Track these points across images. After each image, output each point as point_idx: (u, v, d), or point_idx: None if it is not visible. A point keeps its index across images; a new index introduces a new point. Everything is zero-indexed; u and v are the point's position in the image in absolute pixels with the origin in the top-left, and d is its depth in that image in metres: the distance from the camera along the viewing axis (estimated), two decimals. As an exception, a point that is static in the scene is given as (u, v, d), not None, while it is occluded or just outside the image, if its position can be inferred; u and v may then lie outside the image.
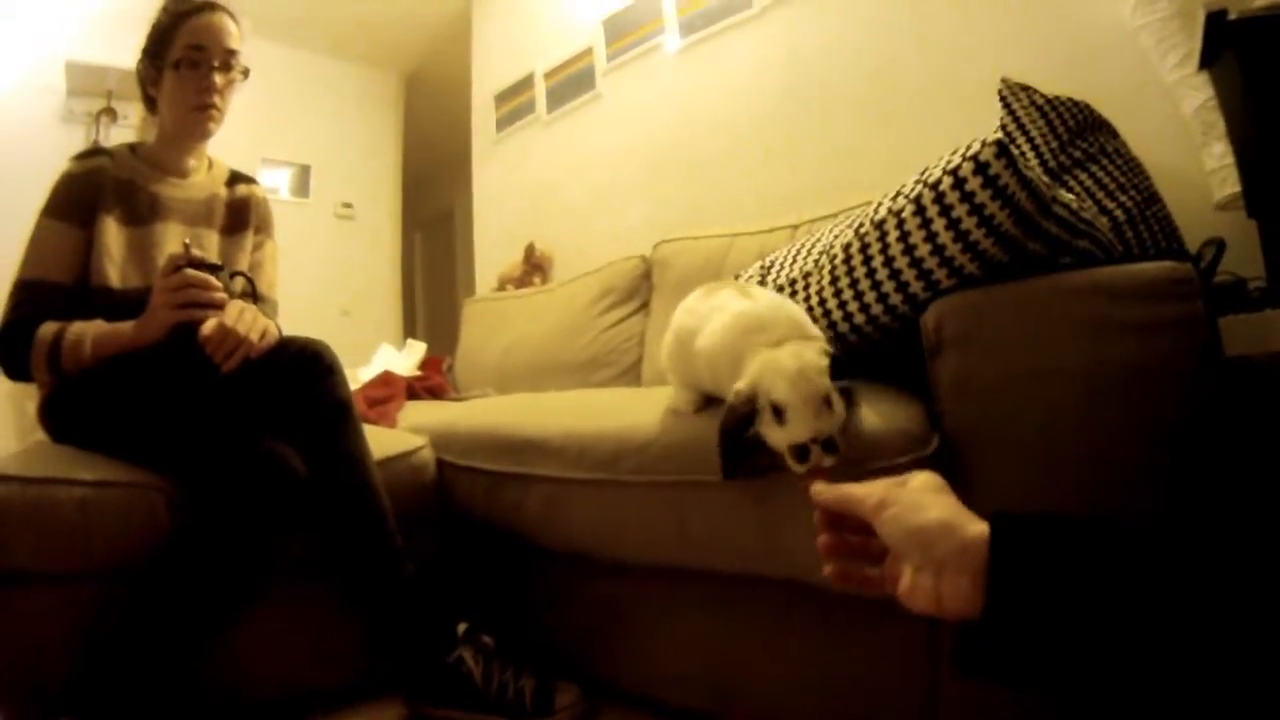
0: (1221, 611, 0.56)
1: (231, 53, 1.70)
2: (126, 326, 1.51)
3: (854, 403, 1.12)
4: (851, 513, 0.74)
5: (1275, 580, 0.56)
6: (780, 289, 1.46)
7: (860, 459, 1.08)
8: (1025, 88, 1.70)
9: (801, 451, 1.00)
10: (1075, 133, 1.66)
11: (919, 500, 0.69)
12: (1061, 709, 0.91)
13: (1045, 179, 1.18)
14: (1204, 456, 0.99)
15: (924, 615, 0.67)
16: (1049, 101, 1.67)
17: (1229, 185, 1.60)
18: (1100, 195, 1.58)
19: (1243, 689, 0.54)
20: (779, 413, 1.02)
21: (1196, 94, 1.67)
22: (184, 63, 1.65)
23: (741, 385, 1.07)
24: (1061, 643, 0.59)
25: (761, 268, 1.62)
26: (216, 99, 1.70)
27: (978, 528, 0.65)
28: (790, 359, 1.04)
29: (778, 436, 1.02)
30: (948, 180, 1.11)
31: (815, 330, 1.17)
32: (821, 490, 0.78)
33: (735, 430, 1.08)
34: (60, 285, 1.58)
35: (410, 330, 5.79)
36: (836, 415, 1.02)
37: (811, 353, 1.05)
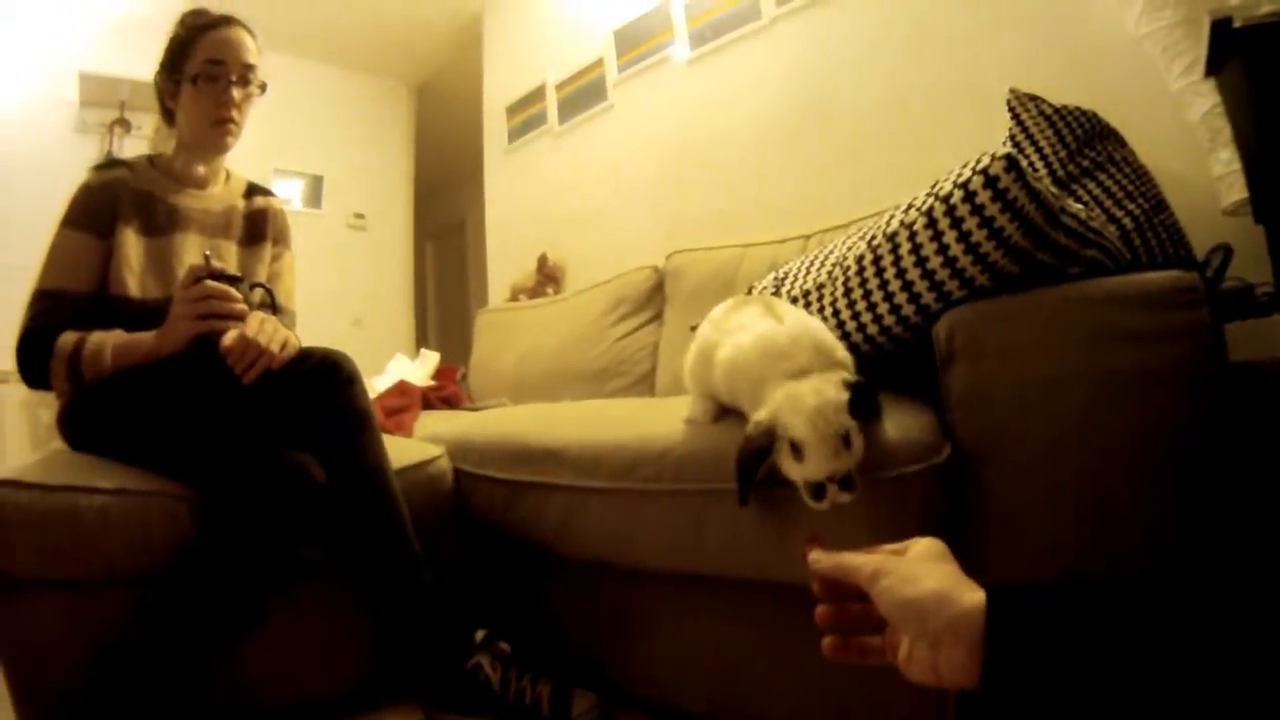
0: (1221, 676, 0.56)
1: (249, 67, 1.72)
2: (147, 337, 1.52)
3: (878, 417, 1.14)
4: (849, 581, 0.73)
5: (1264, 598, 0.57)
6: (795, 300, 1.47)
7: (873, 468, 1.09)
8: (1033, 98, 1.71)
9: (818, 490, 1.01)
10: (1083, 141, 1.67)
11: (914, 571, 0.68)
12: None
13: (1053, 190, 1.20)
14: (1212, 463, 1.00)
15: (924, 685, 0.66)
16: (1057, 111, 1.69)
17: (1236, 191, 1.61)
18: (1108, 203, 1.59)
19: None
20: (796, 450, 1.03)
21: (1203, 101, 1.68)
22: (202, 77, 1.67)
23: (762, 416, 1.09)
24: (1060, 712, 0.59)
25: (775, 279, 1.63)
26: (235, 113, 1.71)
27: (972, 598, 0.64)
28: (811, 396, 1.05)
29: (795, 472, 1.04)
30: (958, 194, 1.13)
31: (841, 353, 1.18)
32: (819, 559, 0.76)
33: (752, 462, 1.09)
34: (80, 295, 1.59)
35: (422, 340, 5.81)
36: (854, 452, 1.03)
37: (832, 388, 1.06)
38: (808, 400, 1.04)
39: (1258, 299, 1.45)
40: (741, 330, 1.22)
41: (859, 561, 0.72)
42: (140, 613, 1.29)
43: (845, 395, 1.05)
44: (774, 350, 1.14)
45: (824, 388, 1.06)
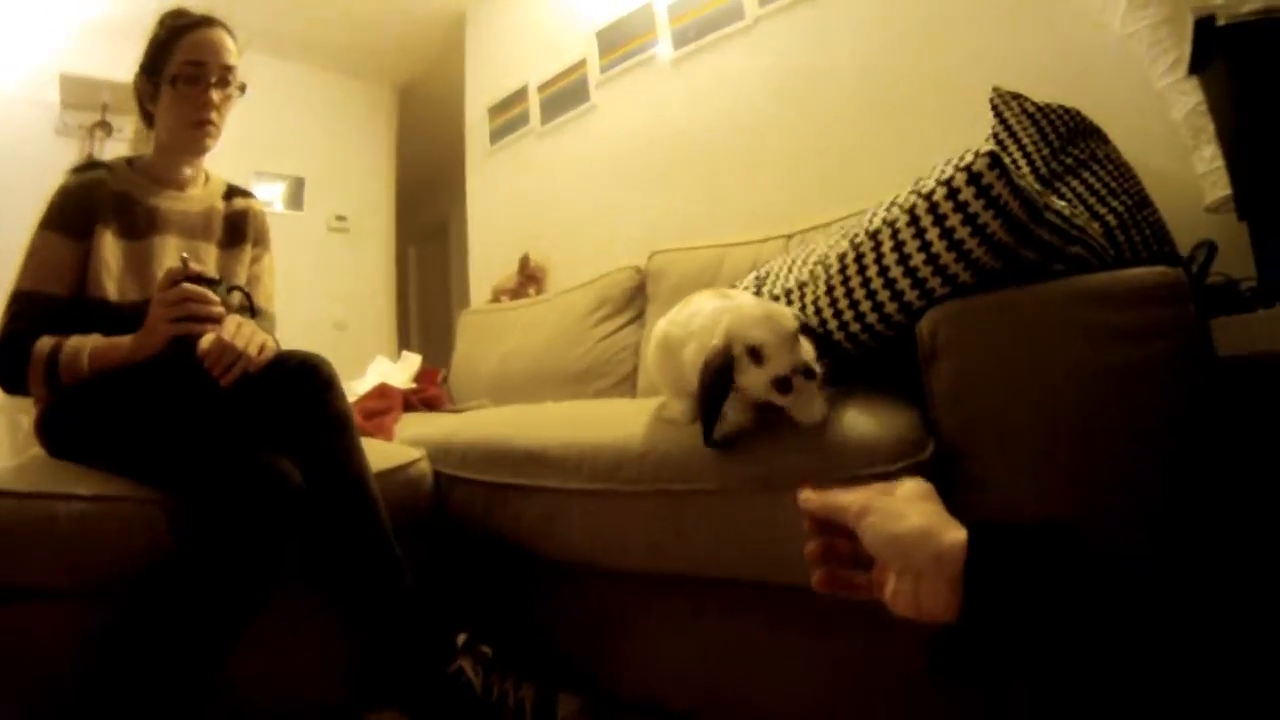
0: (1195, 616, 0.57)
1: (229, 68, 1.70)
2: (124, 340, 1.50)
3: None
4: (837, 520, 0.75)
5: (1248, 585, 0.58)
6: (776, 299, 1.47)
7: (856, 465, 1.09)
8: (1016, 96, 1.71)
9: (784, 383, 1.05)
10: (1066, 139, 1.67)
11: (899, 508, 0.71)
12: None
13: (1037, 187, 1.20)
14: (1197, 458, 1.00)
15: (906, 619, 0.69)
16: (1040, 109, 1.69)
17: (1219, 188, 1.61)
18: (1092, 201, 1.59)
19: (1216, 691, 0.56)
20: (756, 354, 1.07)
21: (1186, 99, 1.67)
22: (181, 78, 1.65)
23: (716, 341, 1.11)
24: (1035, 647, 0.61)
25: (756, 278, 1.63)
26: (214, 115, 1.69)
27: (955, 535, 0.66)
28: (755, 308, 1.11)
29: (757, 379, 1.08)
30: (941, 190, 1.13)
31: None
32: (809, 498, 0.79)
33: (715, 386, 1.11)
34: (57, 298, 1.57)
35: (405, 343, 5.77)
36: (808, 349, 1.09)
37: (779, 306, 1.13)
38: (755, 310, 1.11)
39: (1242, 294, 1.45)
40: (696, 318, 1.25)
41: (847, 499, 0.74)
42: (122, 621, 1.27)
43: (791, 313, 1.12)
44: (731, 308, 1.17)
45: (766, 302, 1.14)
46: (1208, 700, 0.56)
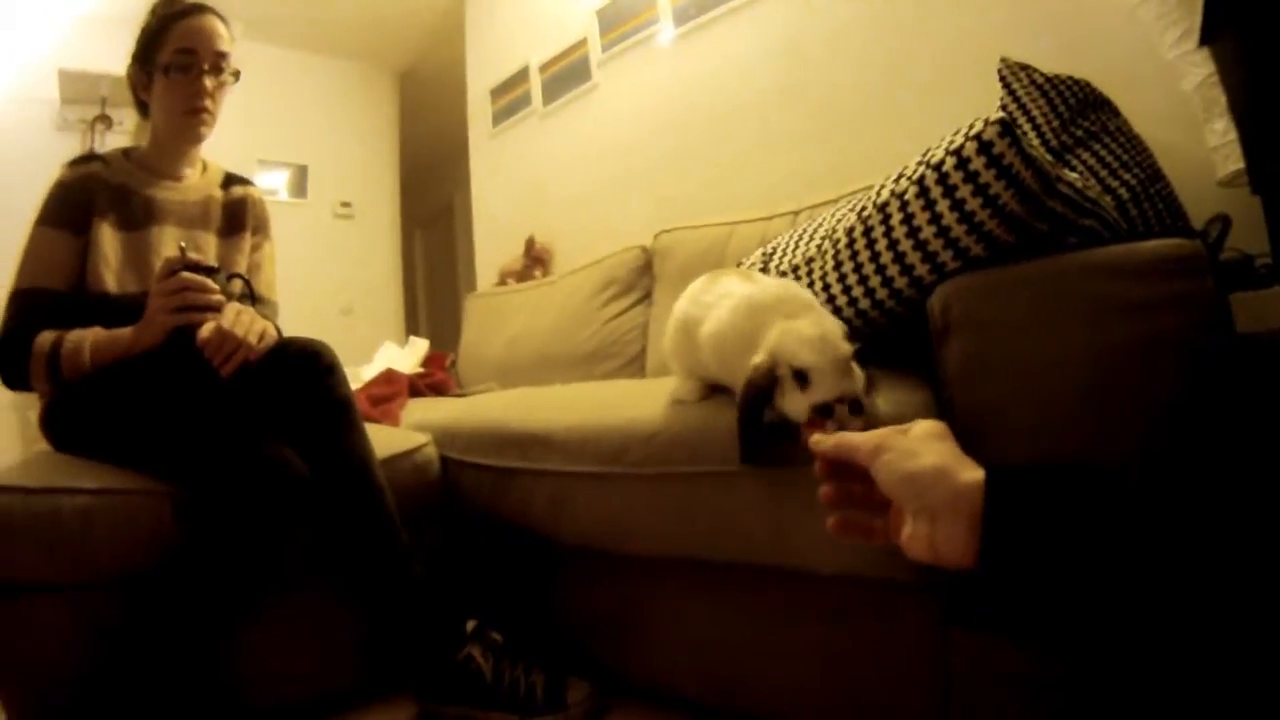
0: (1215, 562, 0.56)
1: (222, 55, 1.69)
2: (125, 332, 1.50)
3: (873, 387, 1.13)
4: (850, 460, 0.74)
5: (1268, 532, 0.56)
6: (783, 275, 1.45)
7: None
8: (1025, 67, 1.69)
9: (826, 409, 1.00)
10: (1077, 111, 1.64)
11: (914, 447, 0.70)
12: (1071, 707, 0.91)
13: (1049, 158, 1.17)
14: (1218, 434, 0.98)
15: (923, 562, 0.67)
16: (1049, 80, 1.66)
17: (1232, 162, 1.59)
18: (1104, 173, 1.57)
19: (1235, 634, 0.55)
20: (802, 377, 1.02)
21: (1197, 70, 1.65)
22: (174, 67, 1.64)
23: (759, 358, 1.07)
24: (1058, 591, 0.60)
25: (763, 254, 1.61)
26: (208, 102, 1.68)
27: (972, 474, 0.65)
28: (810, 327, 1.04)
29: (799, 403, 1.02)
30: (951, 160, 1.10)
31: (828, 314, 1.17)
32: (820, 439, 0.78)
33: (755, 404, 1.07)
34: (57, 293, 1.57)
35: (412, 327, 5.79)
36: (859, 379, 1.03)
37: (831, 321, 1.06)
38: (808, 330, 1.04)
39: (1257, 270, 1.43)
40: (724, 298, 1.19)
41: (860, 439, 0.73)
42: (129, 612, 1.27)
43: (844, 332, 1.05)
44: (765, 304, 1.13)
45: (822, 319, 1.06)
46: (1227, 643, 0.55)
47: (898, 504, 0.70)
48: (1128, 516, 0.59)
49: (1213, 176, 1.65)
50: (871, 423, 1.01)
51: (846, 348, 1.03)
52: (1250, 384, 1.00)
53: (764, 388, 1.05)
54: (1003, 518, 0.61)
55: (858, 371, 1.03)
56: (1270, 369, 1.10)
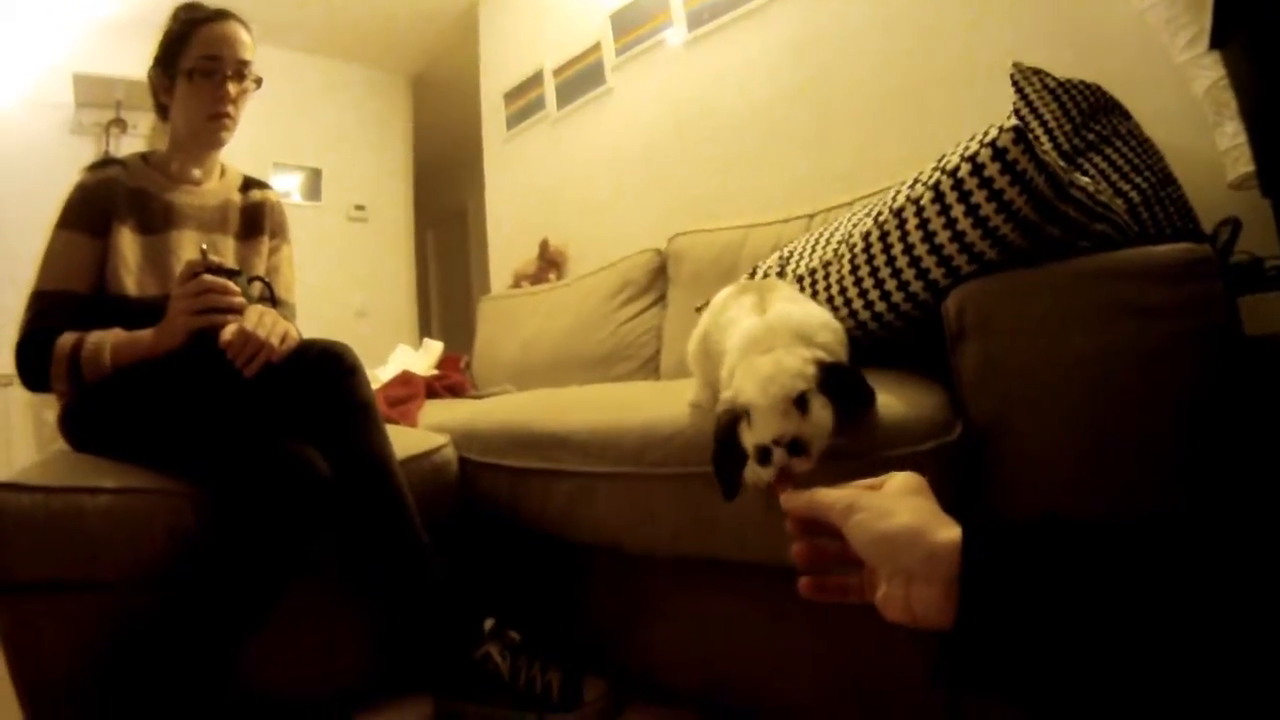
0: (1206, 619, 0.53)
1: (245, 63, 1.70)
2: (145, 334, 1.51)
3: (867, 405, 1.11)
4: (823, 519, 0.70)
5: (1264, 589, 0.53)
6: (800, 279, 1.46)
7: (884, 446, 1.09)
8: (1037, 71, 1.70)
9: (763, 453, 0.94)
10: (1088, 115, 1.65)
11: (888, 505, 0.66)
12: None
13: (1061, 163, 1.18)
14: (1229, 437, 0.99)
15: (899, 624, 0.65)
16: (1061, 85, 1.67)
17: (1242, 165, 1.59)
18: (1115, 177, 1.58)
19: (1228, 698, 0.52)
20: (749, 416, 0.98)
21: (1207, 74, 1.66)
22: (197, 72, 1.65)
23: (726, 395, 1.04)
24: (1040, 654, 0.56)
25: (780, 258, 1.62)
26: (230, 108, 1.70)
27: (948, 534, 0.62)
28: (767, 364, 1.00)
29: (747, 440, 0.98)
30: (966, 167, 1.12)
31: (825, 336, 1.11)
32: (791, 497, 0.75)
33: (722, 443, 1.03)
34: (77, 295, 1.58)
35: (426, 330, 5.80)
36: (813, 421, 0.96)
37: (793, 359, 1.00)
38: (763, 369, 0.99)
39: (1267, 272, 1.44)
40: (733, 327, 1.18)
41: (833, 497, 0.69)
42: (150, 612, 1.27)
43: (809, 368, 0.99)
44: (748, 341, 1.09)
45: (783, 357, 1.01)
46: (1224, 697, 0.52)
47: (871, 565, 0.67)
48: (1114, 575, 0.55)
49: (1223, 179, 1.66)
50: (872, 443, 1.02)
51: (794, 386, 0.96)
52: (1261, 388, 1.01)
53: (725, 426, 1.02)
54: (980, 579, 0.59)
55: (817, 410, 0.96)
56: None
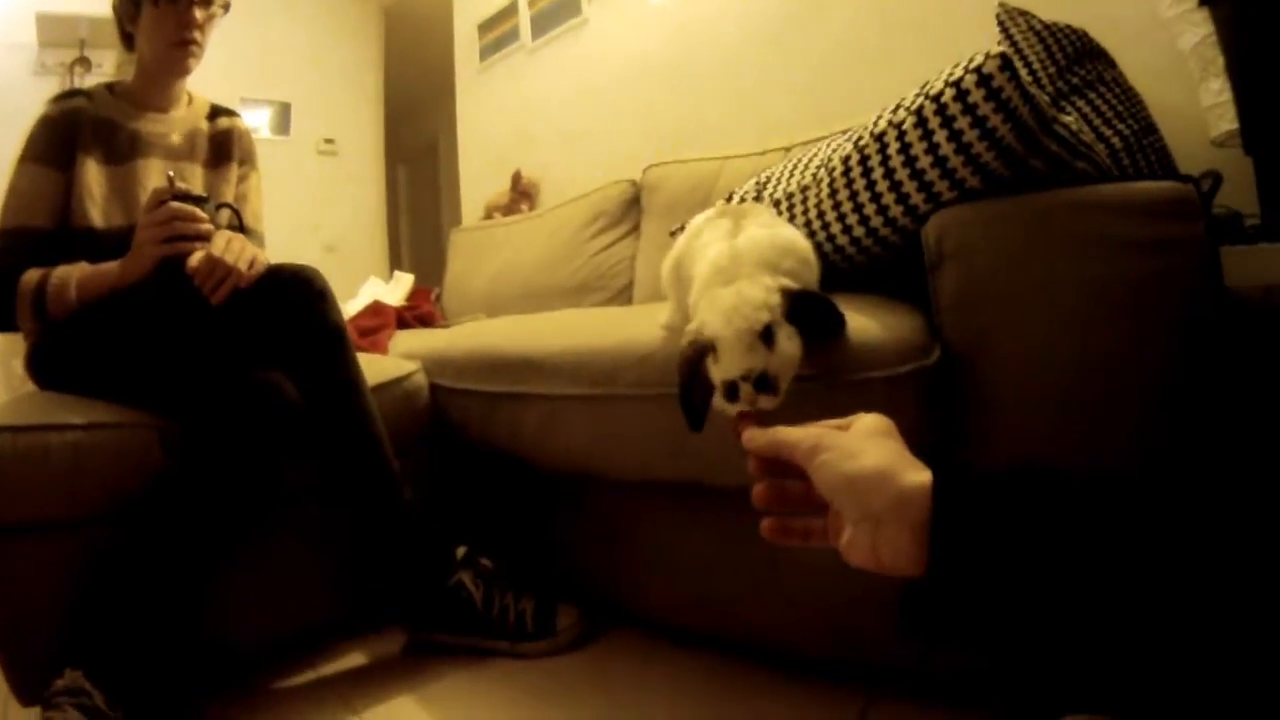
0: (1174, 567, 0.52)
1: None
2: (112, 266, 1.48)
3: (837, 333, 1.10)
4: (787, 459, 0.68)
5: (1233, 540, 0.52)
6: (777, 204, 1.44)
7: (861, 368, 1.09)
8: (1023, 12, 1.68)
9: (730, 389, 0.93)
10: (1073, 59, 1.64)
11: (855, 446, 0.63)
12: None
13: (1046, 98, 1.17)
14: (1203, 374, 1.00)
15: (864, 569, 0.62)
16: (1047, 27, 1.66)
17: (1226, 121, 1.59)
18: (1098, 122, 1.57)
19: (1196, 646, 0.51)
20: (714, 349, 0.96)
21: (1195, 30, 1.65)
22: None
23: (691, 326, 1.02)
24: (1009, 602, 0.55)
25: (757, 183, 1.60)
26: (196, 34, 1.65)
27: (918, 477, 0.59)
28: (729, 296, 0.98)
29: (714, 375, 0.96)
30: (949, 91, 1.10)
31: (790, 263, 1.09)
32: (754, 436, 0.72)
33: (688, 375, 1.01)
34: (42, 231, 1.56)
35: (396, 264, 5.74)
36: (780, 353, 0.94)
37: (757, 289, 0.98)
38: (725, 300, 0.98)
39: (1245, 229, 1.45)
40: (706, 249, 1.15)
41: (797, 436, 0.67)
42: (120, 546, 1.27)
43: (774, 297, 0.97)
44: (713, 270, 1.07)
45: (747, 287, 0.99)
46: (1188, 654, 0.51)
47: (836, 508, 0.64)
48: (1086, 522, 0.54)
49: (1206, 135, 1.66)
50: (825, 356, 1.01)
51: (759, 318, 0.94)
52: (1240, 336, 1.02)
53: (690, 359, 1.00)
54: (951, 525, 0.57)
55: (783, 342, 0.95)
56: (1255, 324, 1.13)
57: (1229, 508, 0.55)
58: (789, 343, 0.96)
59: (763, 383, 0.92)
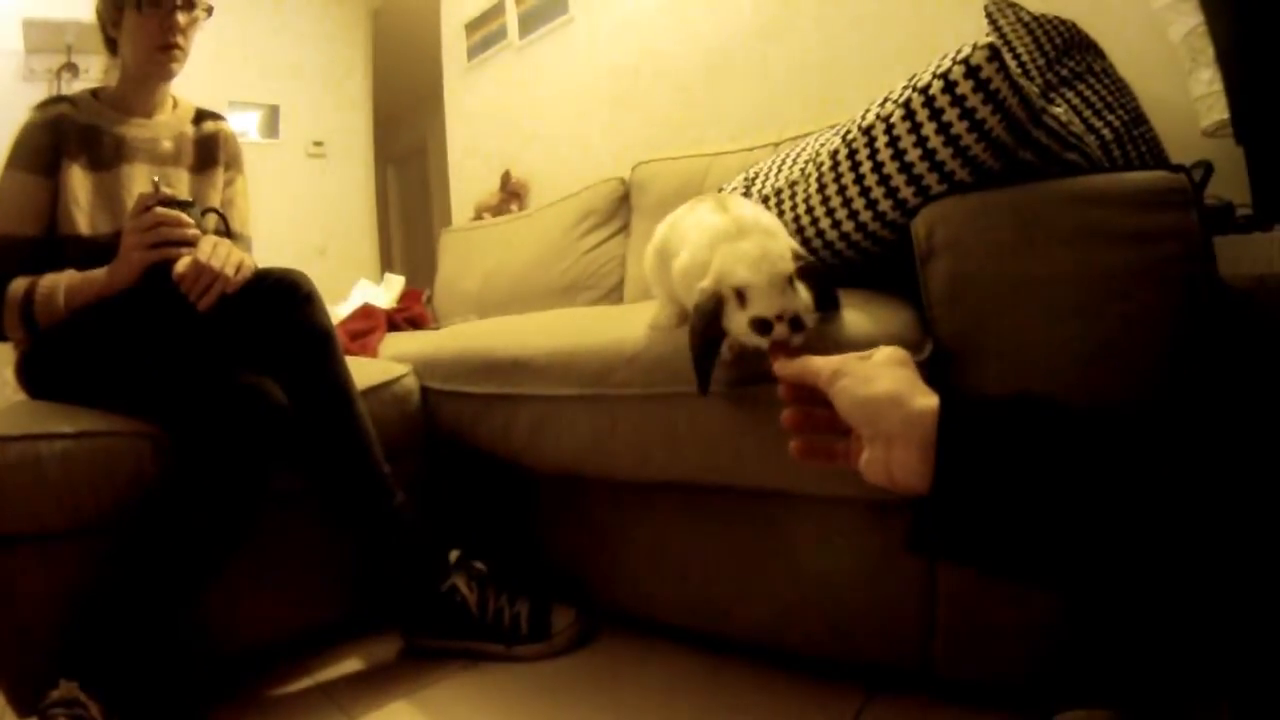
0: (1172, 490, 0.56)
1: None
2: (99, 273, 1.47)
3: (835, 308, 1.13)
4: (811, 384, 0.74)
5: (1228, 464, 0.56)
6: (765, 199, 1.44)
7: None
8: (1012, 4, 1.69)
9: (764, 324, 0.99)
10: (1062, 50, 1.64)
11: (872, 373, 0.69)
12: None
13: (1035, 89, 1.17)
14: (1197, 364, 0.99)
15: (880, 487, 0.68)
16: (1035, 19, 1.66)
17: (1216, 112, 1.59)
18: (1088, 113, 1.57)
19: (1193, 564, 0.54)
20: (741, 296, 1.01)
21: (1184, 20, 1.65)
22: (145, 2, 1.59)
23: (705, 283, 1.06)
24: (1012, 519, 0.59)
25: (745, 179, 1.60)
26: (180, 39, 1.64)
27: (926, 401, 0.65)
28: (753, 246, 1.04)
29: (739, 319, 1.02)
30: (938, 84, 1.09)
31: (790, 239, 1.14)
32: (784, 364, 0.78)
33: (704, 330, 1.06)
34: (29, 239, 1.55)
35: (387, 266, 5.74)
36: (802, 298, 1.02)
37: (778, 244, 1.05)
38: (749, 249, 1.03)
39: (1237, 219, 1.45)
40: (695, 229, 1.18)
41: (820, 364, 0.74)
42: (112, 555, 1.25)
43: (789, 253, 1.05)
44: (722, 233, 1.10)
45: (766, 241, 1.05)
46: (1184, 573, 0.55)
47: (855, 429, 0.71)
48: (1085, 445, 0.59)
49: (1196, 126, 1.66)
50: (816, 341, 1.03)
51: (787, 266, 1.02)
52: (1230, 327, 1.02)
53: (710, 311, 1.04)
54: (955, 444, 0.62)
55: (802, 291, 1.02)
56: (1247, 313, 1.12)
57: (1221, 440, 0.58)
58: (805, 292, 1.03)
59: (795, 322, 0.99)
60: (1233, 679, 0.59)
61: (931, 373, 1.09)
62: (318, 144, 5.32)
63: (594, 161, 3.38)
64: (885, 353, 0.73)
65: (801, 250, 1.11)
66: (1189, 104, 1.67)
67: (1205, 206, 1.38)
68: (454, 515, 1.72)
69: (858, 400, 0.68)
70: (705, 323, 1.05)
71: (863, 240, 1.26)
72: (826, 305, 1.10)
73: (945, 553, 0.65)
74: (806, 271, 1.05)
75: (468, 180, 4.29)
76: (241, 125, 4.86)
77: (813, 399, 0.76)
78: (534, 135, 3.86)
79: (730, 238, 1.08)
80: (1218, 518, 0.54)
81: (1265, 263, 1.23)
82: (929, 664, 1.18)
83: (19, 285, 1.48)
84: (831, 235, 1.28)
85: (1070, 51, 1.65)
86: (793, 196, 1.37)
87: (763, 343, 0.98)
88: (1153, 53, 1.79)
